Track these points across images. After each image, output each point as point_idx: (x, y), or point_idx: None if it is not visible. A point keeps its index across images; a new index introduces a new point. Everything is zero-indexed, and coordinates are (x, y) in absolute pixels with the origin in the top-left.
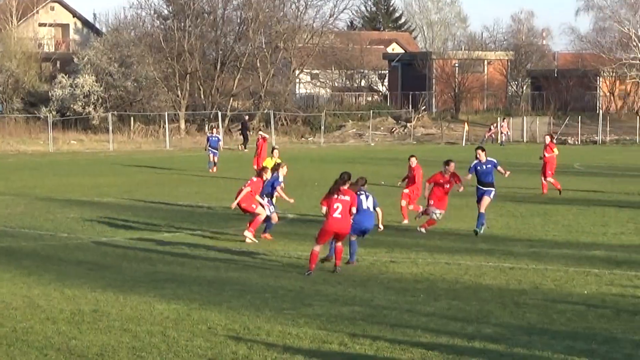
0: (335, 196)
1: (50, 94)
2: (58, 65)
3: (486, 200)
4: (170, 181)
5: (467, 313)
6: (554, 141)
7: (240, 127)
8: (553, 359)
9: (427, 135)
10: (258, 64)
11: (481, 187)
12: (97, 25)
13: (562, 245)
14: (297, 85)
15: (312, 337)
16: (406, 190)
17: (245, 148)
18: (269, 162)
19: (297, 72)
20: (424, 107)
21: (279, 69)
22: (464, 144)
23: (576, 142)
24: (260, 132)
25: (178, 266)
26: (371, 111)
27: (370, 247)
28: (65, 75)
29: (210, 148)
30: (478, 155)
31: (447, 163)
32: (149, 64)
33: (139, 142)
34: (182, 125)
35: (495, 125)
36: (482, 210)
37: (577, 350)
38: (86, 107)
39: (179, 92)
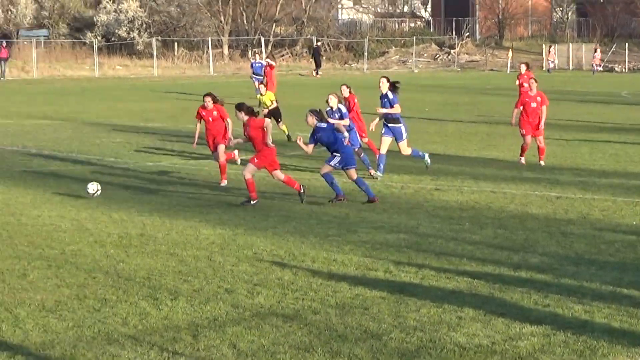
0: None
1: (95, 19)
2: None
3: (402, 145)
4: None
5: (513, 242)
6: (530, 70)
7: (312, 52)
8: (601, 290)
9: (470, 62)
10: None
11: (385, 123)
12: None
13: (610, 174)
14: (340, 10)
15: (357, 264)
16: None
17: (317, 74)
18: (269, 97)
19: None
20: (468, 33)
21: None
22: (508, 71)
23: (624, 70)
24: (267, 59)
25: (223, 191)
26: (414, 37)
27: (415, 174)
28: (110, 0)
29: (254, 75)
30: (380, 85)
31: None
32: None
33: (183, 67)
34: (226, 51)
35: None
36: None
37: (625, 281)
38: (130, 33)
39: (222, 18)
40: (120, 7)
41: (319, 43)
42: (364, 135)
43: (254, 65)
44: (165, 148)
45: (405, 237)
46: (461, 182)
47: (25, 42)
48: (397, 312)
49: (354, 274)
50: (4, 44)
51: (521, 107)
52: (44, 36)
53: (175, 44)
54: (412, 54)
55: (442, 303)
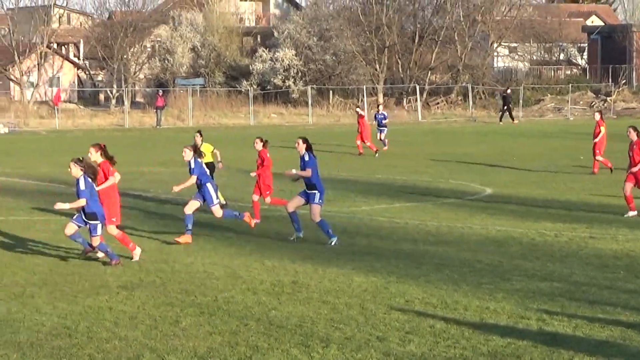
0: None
1: (251, 68)
2: (259, 39)
3: (315, 209)
4: (368, 154)
5: None
6: (603, 118)
7: (502, 100)
8: None
9: (627, 109)
10: (456, 37)
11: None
12: None
13: None
14: (495, 58)
15: (509, 313)
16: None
17: (513, 120)
18: (206, 148)
19: (495, 45)
20: (625, 80)
21: (476, 42)
22: None
23: None
24: (357, 109)
25: (376, 239)
26: (570, 85)
27: (569, 222)
28: (266, 49)
29: (378, 127)
30: (297, 146)
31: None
32: (348, 37)
33: (338, 115)
34: (381, 99)
35: None
36: None
37: None
38: (286, 81)
39: (377, 66)
40: (276, 56)
41: (509, 91)
42: (268, 193)
43: (377, 116)
44: None
45: (559, 285)
46: (616, 231)
47: (182, 91)
48: None
49: (506, 323)
50: (161, 92)
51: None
52: (200, 85)
53: (330, 92)
54: (567, 101)
55: (594, 352)
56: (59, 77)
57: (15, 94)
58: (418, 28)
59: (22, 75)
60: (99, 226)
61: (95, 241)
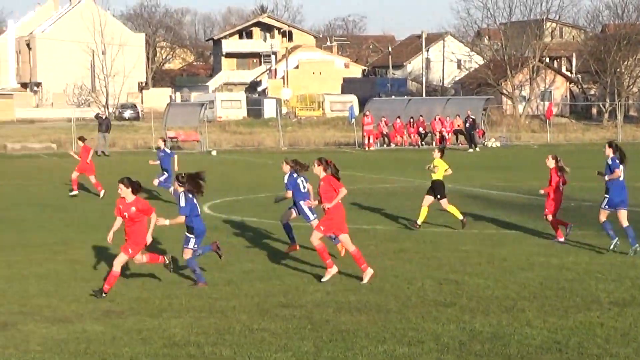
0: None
1: None
2: None
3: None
4: None
5: None
6: None
7: None
8: None
9: None
10: None
11: None
12: None
13: None
14: None
15: None
16: None
17: None
18: (441, 166)
19: None
20: None
21: None
22: None
23: None
24: None
25: None
26: None
27: None
28: None
29: None
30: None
31: None
32: None
33: None
34: None
35: None
36: None
37: None
38: None
39: None
40: None
41: None
42: (547, 212)
43: None
44: None
45: None
46: None
47: None
48: None
49: None
50: None
51: None
52: None
53: None
54: None
55: None
56: (550, 91)
57: (507, 108)
58: None
59: (514, 89)
60: (192, 240)
61: (186, 254)
